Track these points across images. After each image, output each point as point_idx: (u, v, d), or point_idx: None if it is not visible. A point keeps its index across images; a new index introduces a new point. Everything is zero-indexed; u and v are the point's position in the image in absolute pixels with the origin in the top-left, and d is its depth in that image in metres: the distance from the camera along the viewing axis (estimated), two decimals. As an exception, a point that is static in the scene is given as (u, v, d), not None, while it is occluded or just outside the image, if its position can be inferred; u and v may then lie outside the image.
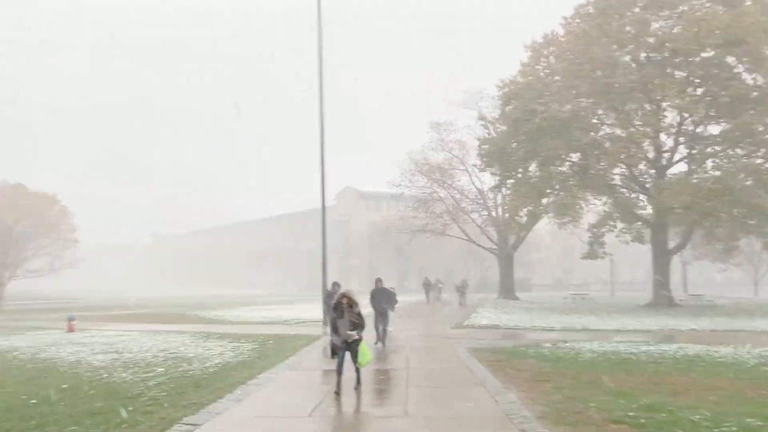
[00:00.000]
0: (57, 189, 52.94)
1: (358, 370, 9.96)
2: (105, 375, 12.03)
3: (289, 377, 11.57)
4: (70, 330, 24.19)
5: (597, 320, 24.44)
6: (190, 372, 12.05)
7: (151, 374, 11.92)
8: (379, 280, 18.07)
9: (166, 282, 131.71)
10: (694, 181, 29.33)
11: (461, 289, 40.76)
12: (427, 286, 43.19)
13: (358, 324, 9.85)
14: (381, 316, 16.99)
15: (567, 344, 16.23)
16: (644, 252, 75.97)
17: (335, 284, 18.73)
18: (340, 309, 9.93)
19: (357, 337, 9.83)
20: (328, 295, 19.25)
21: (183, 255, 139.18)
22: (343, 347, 9.83)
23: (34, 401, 9.25)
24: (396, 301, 18.78)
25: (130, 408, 8.50)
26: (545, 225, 52.78)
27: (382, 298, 17.27)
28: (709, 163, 31.87)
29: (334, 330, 10.04)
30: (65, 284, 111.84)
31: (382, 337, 16.79)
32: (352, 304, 9.93)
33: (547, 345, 16.19)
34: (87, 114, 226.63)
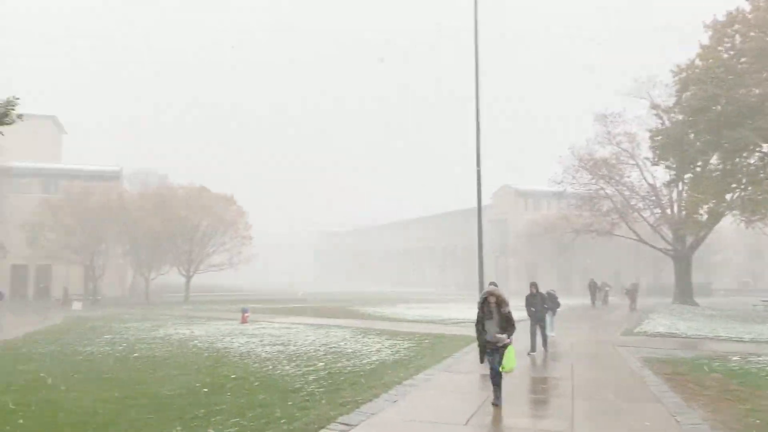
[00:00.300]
0: (234, 190, 57.85)
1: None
2: (270, 367, 12.57)
3: (446, 379, 11.26)
4: (244, 321, 25.96)
5: (798, 332, 21.30)
6: (348, 368, 12.19)
7: (311, 368, 12.24)
8: (533, 285, 16.87)
9: (330, 278, 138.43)
10: None
11: (632, 293, 38.13)
12: (593, 288, 40.71)
13: (507, 326, 9.10)
14: (539, 323, 16.15)
15: (760, 359, 14.20)
16: None
17: (492, 284, 18.07)
18: (488, 309, 9.20)
19: (508, 340, 9.09)
20: None
21: (345, 252, 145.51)
22: (490, 351, 9.18)
23: (206, 390, 9.83)
24: (558, 304, 17.81)
25: (289, 402, 8.68)
26: (729, 224, 47.54)
27: (539, 304, 16.35)
28: None
29: (481, 331, 9.32)
30: (240, 278, 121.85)
31: (543, 343, 16.07)
32: (500, 303, 9.14)
33: (735, 358, 14.29)
34: (267, 119, 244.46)
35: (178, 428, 7.48)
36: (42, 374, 11.63)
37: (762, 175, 28.56)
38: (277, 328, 23.18)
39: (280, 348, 16.11)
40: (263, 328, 23.16)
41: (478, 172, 24.83)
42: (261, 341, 17.94)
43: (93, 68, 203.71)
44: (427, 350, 15.77)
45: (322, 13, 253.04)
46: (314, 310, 34.11)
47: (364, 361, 13.26)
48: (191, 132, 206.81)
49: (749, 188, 28.90)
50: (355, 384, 10.27)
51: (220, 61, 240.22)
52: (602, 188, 46.10)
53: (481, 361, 9.59)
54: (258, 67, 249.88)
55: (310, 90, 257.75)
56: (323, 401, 8.95)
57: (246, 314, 26.39)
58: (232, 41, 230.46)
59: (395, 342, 17.57)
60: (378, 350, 15.55)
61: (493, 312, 9.15)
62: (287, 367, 12.39)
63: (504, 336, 9.06)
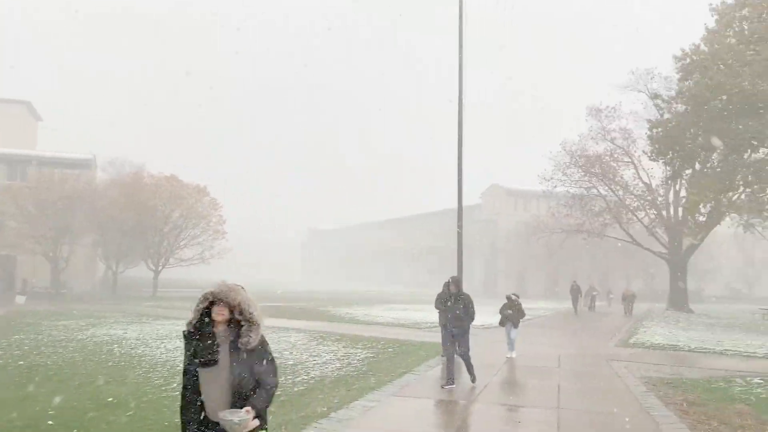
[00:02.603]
0: (213, 184, 55.00)
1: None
2: (173, 385, 9.87)
3: (391, 410, 8.56)
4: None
5: (813, 347, 18.80)
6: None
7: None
8: (452, 282, 11.41)
9: (319, 276, 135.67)
10: None
11: (628, 298, 35.66)
12: (576, 292, 36.42)
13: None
14: (457, 339, 10.88)
15: (787, 382, 11.65)
16: None
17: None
18: None
19: None
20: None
21: (333, 251, 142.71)
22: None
23: (51, 422, 7.10)
24: (522, 314, 14.87)
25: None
26: (725, 228, 45.25)
27: (454, 310, 11.01)
28: None
29: None
30: (224, 275, 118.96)
31: (468, 369, 10.88)
32: None
33: (757, 380, 11.72)
34: (257, 116, 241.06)
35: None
36: None
37: (770, 170, 26.11)
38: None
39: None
40: (211, 329, 20.42)
41: (459, 171, 22.36)
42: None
43: (78, 58, 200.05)
44: (385, 362, 13.12)
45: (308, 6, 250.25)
46: (281, 311, 31.38)
47: (299, 378, 10.59)
48: (177, 126, 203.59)
49: (756, 186, 26.45)
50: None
51: (208, 51, 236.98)
52: (594, 187, 43.67)
53: None
54: (253, 65, 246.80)
55: (299, 86, 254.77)
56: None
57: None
58: (222, 27, 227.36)
59: (352, 351, 14.93)
60: (326, 362, 12.89)
61: None
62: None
63: None
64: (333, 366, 12.26)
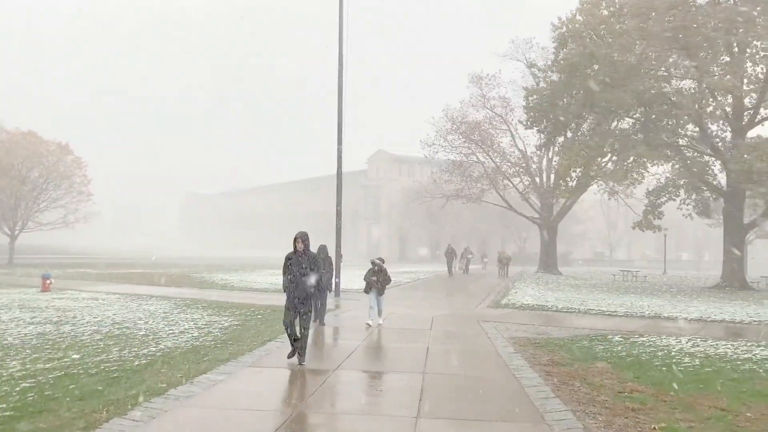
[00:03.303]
0: (73, 140, 50.29)
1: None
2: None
3: (242, 384, 7.68)
4: (45, 290, 21.04)
5: (666, 305, 20.05)
6: (106, 365, 8.32)
7: (54, 364, 8.27)
8: (300, 238, 9.20)
9: (200, 242, 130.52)
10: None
11: (503, 261, 37.10)
12: (450, 255, 37.03)
13: None
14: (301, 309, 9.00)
15: (644, 339, 12.06)
16: (692, 229, 70.45)
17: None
18: None
19: None
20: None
21: (215, 215, 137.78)
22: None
23: None
24: (388, 280, 13.86)
25: None
26: (592, 195, 47.99)
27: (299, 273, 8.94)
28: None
29: None
30: (96, 240, 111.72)
31: (301, 351, 8.91)
32: None
33: (618, 339, 12.05)
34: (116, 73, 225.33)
35: None
36: None
37: (636, 138, 27.50)
38: (81, 299, 18.61)
39: (50, 328, 11.84)
40: (61, 298, 18.48)
41: (339, 132, 21.64)
42: (34, 318, 13.49)
43: None
44: (251, 330, 12.22)
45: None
46: (150, 277, 29.36)
47: (145, 351, 9.44)
48: (37, 81, 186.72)
49: (622, 153, 27.82)
50: (83, 399, 6.44)
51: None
52: (474, 153, 44.52)
53: None
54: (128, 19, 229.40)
55: (179, 53, 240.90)
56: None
57: (47, 281, 21.40)
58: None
59: (217, 318, 13.87)
60: (183, 331, 11.77)
61: None
62: (13, 363, 8.31)
63: None
64: (189, 336, 11.18)
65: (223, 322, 13.20)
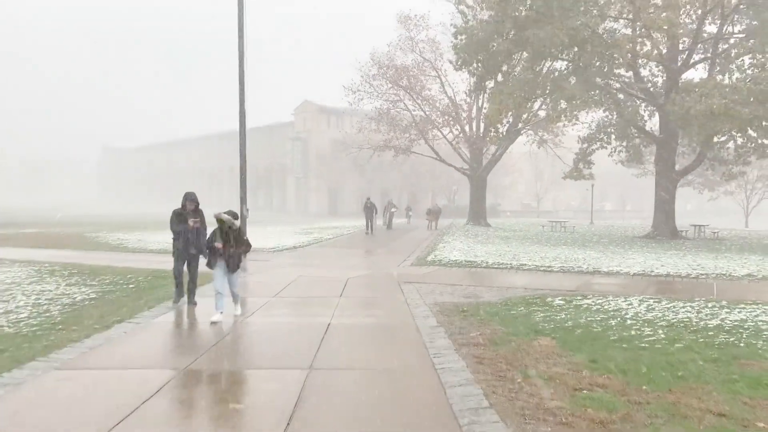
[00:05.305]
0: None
1: None
2: None
3: (18, 400, 5.19)
4: None
5: (601, 257, 18.58)
6: None
7: None
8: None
9: (119, 198, 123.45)
10: (727, 81, 23.18)
11: (434, 213, 35.38)
12: (370, 210, 31.89)
13: None
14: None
15: (589, 301, 10.22)
16: (616, 178, 71.22)
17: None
18: None
19: None
20: None
21: (130, 171, 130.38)
22: None
23: None
24: (244, 246, 9.14)
25: None
26: (521, 146, 46.73)
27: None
28: (735, 67, 25.66)
29: None
30: (4, 199, 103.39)
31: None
32: None
33: (559, 301, 10.16)
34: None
35: None
36: None
37: (571, 79, 25.72)
38: None
39: None
40: None
41: (241, 64, 18.55)
42: None
43: None
44: (103, 307, 9.53)
45: None
46: (33, 239, 25.72)
47: None
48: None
49: (554, 95, 26.03)
50: None
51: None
52: (402, 100, 42.09)
53: None
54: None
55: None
56: None
57: None
58: None
59: (74, 290, 11.09)
60: (11, 310, 9.00)
61: None
62: None
63: None
64: (13, 318, 8.45)
65: (76, 295, 10.46)
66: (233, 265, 8.77)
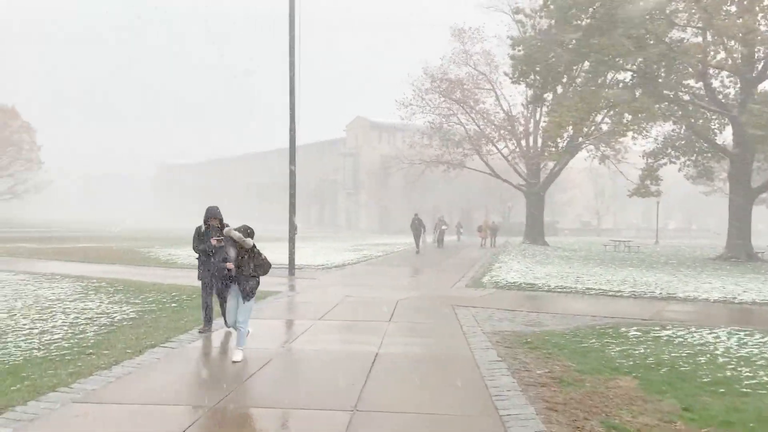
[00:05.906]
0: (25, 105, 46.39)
1: None
2: None
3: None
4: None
5: (673, 280, 17.19)
6: None
7: None
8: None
9: (170, 214, 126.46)
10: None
11: (493, 231, 34.64)
12: (417, 227, 29.99)
13: None
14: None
15: (669, 332, 9.10)
16: (679, 196, 67.91)
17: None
18: None
19: None
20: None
21: (186, 187, 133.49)
22: None
23: None
24: (261, 266, 7.53)
25: None
26: (580, 161, 44.97)
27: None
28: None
29: None
30: (64, 211, 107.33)
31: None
32: None
33: (635, 333, 9.08)
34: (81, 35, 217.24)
35: None
36: None
37: (639, 91, 24.32)
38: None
39: None
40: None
41: (291, 76, 18.20)
42: None
43: None
44: (140, 327, 9.03)
45: None
46: (85, 253, 25.96)
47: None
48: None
49: (618, 107, 24.69)
50: None
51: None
52: (455, 114, 41.24)
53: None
54: None
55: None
56: None
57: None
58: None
59: (116, 308, 10.68)
60: (46, 330, 8.58)
61: None
62: None
63: None
64: (47, 338, 8.02)
65: (116, 314, 10.02)
66: (248, 291, 7.35)
